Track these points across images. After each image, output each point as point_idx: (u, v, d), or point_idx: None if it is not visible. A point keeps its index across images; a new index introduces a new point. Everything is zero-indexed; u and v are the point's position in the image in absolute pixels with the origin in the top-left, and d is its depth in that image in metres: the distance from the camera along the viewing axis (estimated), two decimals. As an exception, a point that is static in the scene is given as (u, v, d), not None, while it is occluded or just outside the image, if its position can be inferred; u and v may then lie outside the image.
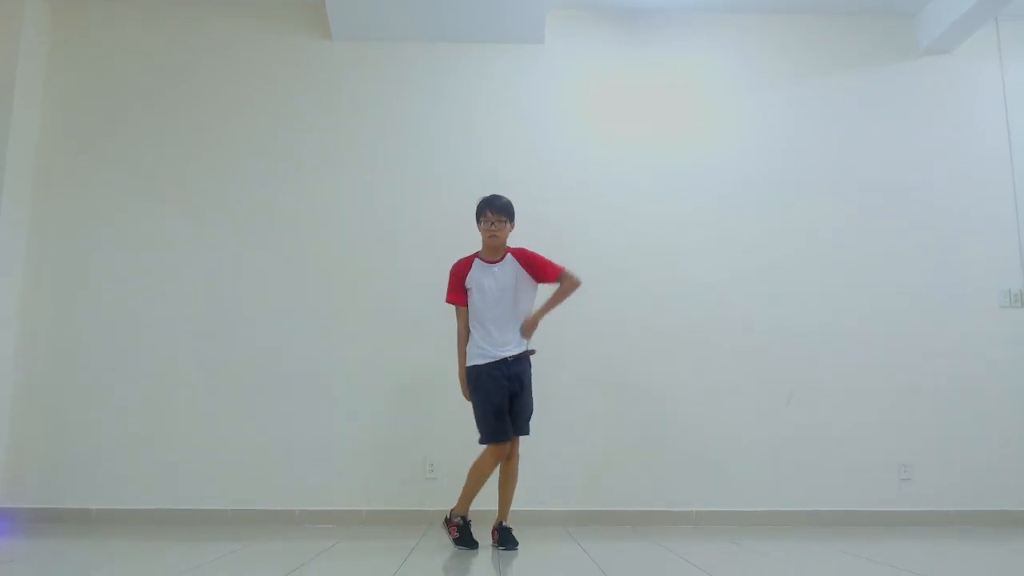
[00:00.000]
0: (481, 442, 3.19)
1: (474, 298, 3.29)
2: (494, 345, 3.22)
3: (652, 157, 4.41)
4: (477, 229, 3.36)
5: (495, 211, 3.28)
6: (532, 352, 3.33)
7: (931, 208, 4.40)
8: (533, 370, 3.34)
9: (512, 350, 3.23)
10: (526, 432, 3.28)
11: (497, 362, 3.21)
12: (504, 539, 3.17)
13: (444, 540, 3.29)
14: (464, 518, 3.22)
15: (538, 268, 3.33)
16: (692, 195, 4.37)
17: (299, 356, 4.15)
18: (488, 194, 3.35)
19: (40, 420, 4.08)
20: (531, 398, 3.30)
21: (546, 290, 3.38)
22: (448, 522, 3.24)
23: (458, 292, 3.34)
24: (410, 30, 4.43)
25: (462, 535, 3.18)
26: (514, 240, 3.44)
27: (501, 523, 3.24)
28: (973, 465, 4.13)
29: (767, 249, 4.33)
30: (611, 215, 4.33)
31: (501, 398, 3.17)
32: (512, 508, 3.31)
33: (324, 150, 4.36)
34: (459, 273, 3.34)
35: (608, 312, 4.19)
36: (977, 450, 4.14)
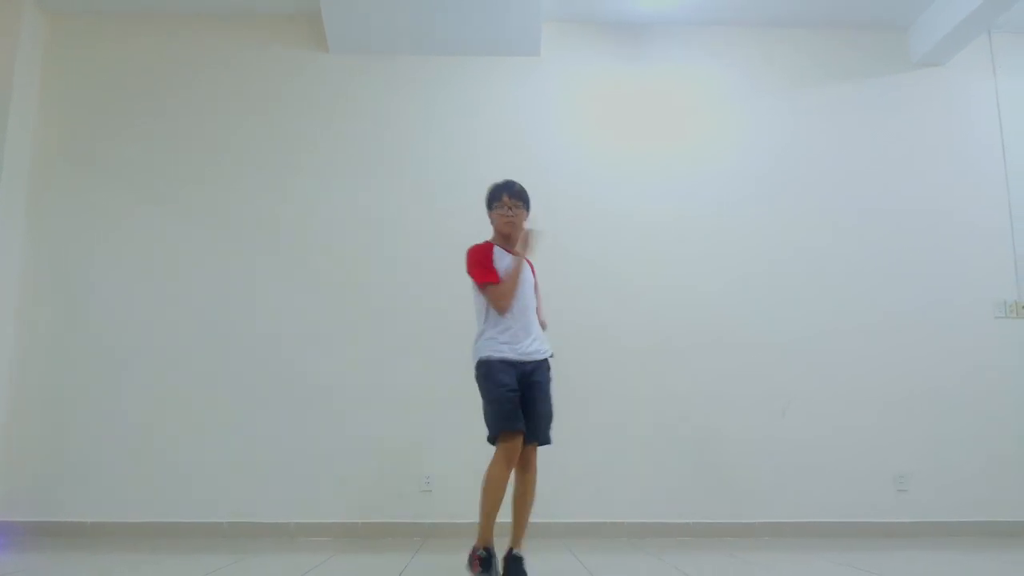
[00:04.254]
0: (491, 436, 2.71)
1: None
2: (516, 342, 2.78)
3: (647, 168, 4.43)
4: (488, 218, 3.00)
5: (512, 195, 2.93)
6: (551, 356, 2.93)
7: (925, 219, 4.42)
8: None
9: (535, 355, 2.82)
10: (547, 440, 2.81)
11: (514, 361, 2.77)
12: (511, 570, 2.66)
13: (440, 553, 3.28)
14: (487, 548, 2.67)
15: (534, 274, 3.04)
16: (687, 205, 4.39)
17: (295, 369, 4.14)
18: (501, 180, 3.00)
19: (35, 432, 4.07)
20: (551, 403, 2.85)
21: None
22: (472, 557, 2.67)
23: (494, 269, 2.83)
24: (407, 43, 4.46)
25: (483, 567, 2.64)
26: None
27: (511, 551, 2.73)
28: (969, 475, 4.13)
29: (761, 259, 4.34)
30: (607, 224, 4.33)
31: (516, 389, 2.72)
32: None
33: (320, 161, 4.37)
34: (486, 253, 2.87)
35: (604, 321, 4.20)
36: (973, 460, 4.15)
